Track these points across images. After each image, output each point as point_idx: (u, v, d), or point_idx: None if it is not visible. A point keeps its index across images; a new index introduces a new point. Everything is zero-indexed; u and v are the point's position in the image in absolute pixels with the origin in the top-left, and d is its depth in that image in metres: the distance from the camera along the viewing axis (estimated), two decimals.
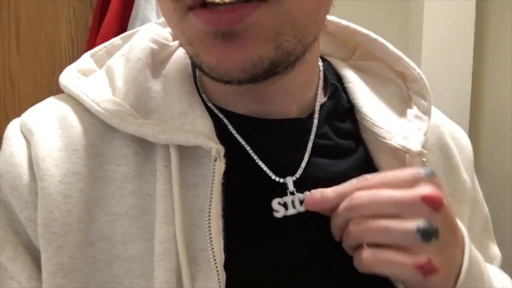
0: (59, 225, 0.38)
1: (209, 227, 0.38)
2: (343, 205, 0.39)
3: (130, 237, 0.38)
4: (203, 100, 0.44)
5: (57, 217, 0.38)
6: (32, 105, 0.45)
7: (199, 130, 0.40)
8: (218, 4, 0.34)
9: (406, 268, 0.36)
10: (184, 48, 0.41)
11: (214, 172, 0.38)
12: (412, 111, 0.48)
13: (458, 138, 0.53)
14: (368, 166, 0.45)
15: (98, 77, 0.45)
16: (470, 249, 0.40)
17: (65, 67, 0.46)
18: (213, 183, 0.38)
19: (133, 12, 1.20)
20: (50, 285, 0.37)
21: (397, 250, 0.36)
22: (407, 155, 0.44)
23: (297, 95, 0.45)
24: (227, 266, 0.38)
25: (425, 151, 0.44)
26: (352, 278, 0.40)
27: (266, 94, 0.43)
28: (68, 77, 0.44)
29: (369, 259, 0.37)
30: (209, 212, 0.38)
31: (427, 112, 0.48)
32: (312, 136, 0.45)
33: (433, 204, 0.37)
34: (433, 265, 0.36)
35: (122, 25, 1.20)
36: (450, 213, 0.39)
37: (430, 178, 0.39)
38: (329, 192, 0.40)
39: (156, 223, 0.38)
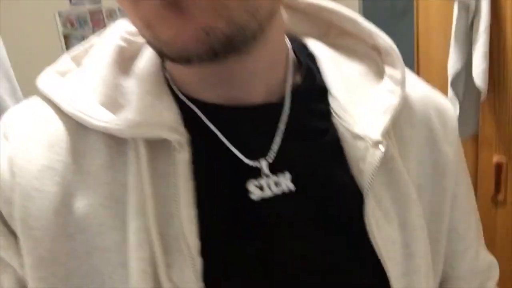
0: (36, 220, 0.40)
1: (179, 215, 0.39)
2: None
3: (105, 228, 0.40)
4: (173, 92, 0.45)
5: (34, 212, 0.40)
6: None
7: (163, 122, 0.41)
8: None
9: None
10: (144, 38, 0.41)
11: (177, 163, 0.39)
12: (385, 85, 0.48)
13: (443, 110, 0.52)
14: (338, 149, 0.46)
15: (73, 77, 0.46)
16: None
17: None
18: (177, 172, 0.39)
19: None
20: (33, 278, 0.39)
21: None
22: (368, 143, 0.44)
23: (264, 77, 0.45)
24: (203, 252, 0.39)
25: (383, 141, 0.44)
26: (331, 263, 0.42)
27: (232, 76, 0.43)
28: (44, 78, 0.46)
29: None
30: (178, 201, 0.39)
31: (399, 82, 0.47)
32: (284, 119, 0.45)
33: None
34: None
35: None
36: None
37: None
38: None
39: (129, 214, 0.39)
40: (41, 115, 0.44)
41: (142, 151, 0.40)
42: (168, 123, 0.41)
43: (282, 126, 0.45)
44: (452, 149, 0.51)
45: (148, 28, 0.38)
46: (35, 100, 0.46)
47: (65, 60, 0.48)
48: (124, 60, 0.46)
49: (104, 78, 0.44)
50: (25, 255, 0.40)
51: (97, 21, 2.53)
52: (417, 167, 0.48)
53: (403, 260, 0.45)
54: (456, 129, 0.53)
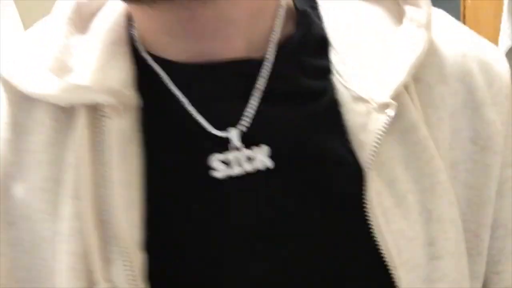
0: None
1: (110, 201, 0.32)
2: None
3: (46, 216, 0.34)
4: (137, 52, 0.38)
5: None
6: None
7: (104, 84, 0.34)
8: None
9: None
10: None
11: (108, 132, 0.33)
12: (404, 30, 0.37)
13: (490, 64, 0.40)
14: (336, 115, 0.36)
15: (20, 39, 0.40)
16: None
17: None
18: (108, 145, 0.33)
19: None
20: None
21: None
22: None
23: (243, 26, 0.36)
24: (149, 245, 0.32)
25: (392, 103, 0.34)
26: (306, 260, 0.33)
27: (202, 25, 0.35)
28: None
29: None
30: (112, 180, 0.32)
31: (423, 25, 0.36)
32: (264, 78, 0.36)
33: None
34: None
35: None
36: None
37: None
38: None
39: (63, 198, 0.33)
40: None
41: (82, 120, 0.33)
42: (108, 85, 0.34)
43: (260, 86, 0.36)
44: (501, 117, 0.39)
45: None
46: None
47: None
48: (82, 18, 0.39)
49: (54, 39, 0.38)
50: None
51: None
52: (450, 138, 0.37)
53: (425, 263, 0.34)
54: (508, 91, 0.40)
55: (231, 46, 0.36)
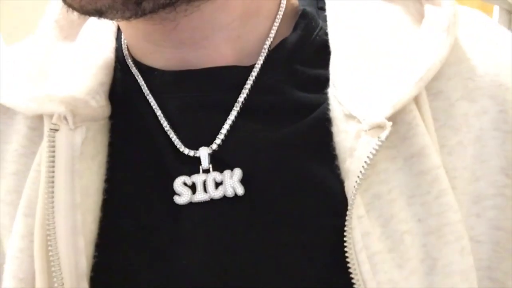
0: None
1: (53, 223, 0.29)
2: None
3: (4, 231, 0.32)
4: (119, 60, 0.35)
5: None
6: None
7: (66, 93, 0.32)
8: None
9: None
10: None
11: (57, 145, 0.30)
12: (421, 35, 0.31)
13: None
14: (326, 135, 0.30)
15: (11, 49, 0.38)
16: None
17: None
18: (55, 161, 0.30)
19: None
20: None
21: None
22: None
23: (232, 31, 0.32)
24: (96, 277, 0.30)
25: (389, 124, 0.28)
26: None
27: (187, 33, 0.31)
28: None
29: None
30: (52, 205, 0.29)
31: (446, 29, 0.30)
32: (246, 90, 0.32)
33: None
34: None
35: None
36: None
37: None
38: None
39: (17, 215, 0.31)
40: None
41: (45, 131, 0.31)
42: (68, 94, 0.31)
43: (241, 98, 0.31)
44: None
45: None
46: None
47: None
48: (71, 22, 0.38)
49: (38, 45, 0.36)
50: None
51: None
52: (474, 167, 0.30)
53: None
54: None
55: (219, 54, 0.32)
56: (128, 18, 0.28)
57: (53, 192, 0.29)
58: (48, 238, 0.29)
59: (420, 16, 0.32)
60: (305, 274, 0.28)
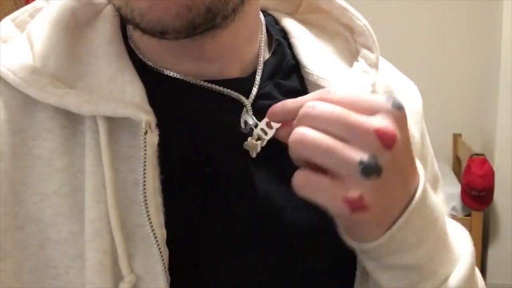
0: None
1: (145, 202, 0.36)
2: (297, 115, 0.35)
3: (61, 218, 0.36)
4: (136, 63, 0.40)
5: None
6: None
7: (128, 99, 0.37)
8: None
9: (334, 199, 0.33)
10: (111, 1, 0.37)
11: (145, 145, 0.36)
12: (359, 65, 0.46)
13: (406, 90, 0.51)
14: None
15: (18, 44, 0.40)
16: (422, 194, 0.36)
17: None
18: (145, 157, 0.36)
19: None
20: None
21: (332, 178, 0.33)
22: None
23: (239, 52, 0.42)
24: (169, 242, 0.37)
25: None
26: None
27: (205, 51, 0.40)
28: None
29: (300, 181, 0.33)
30: (144, 187, 0.36)
31: (374, 65, 0.45)
32: (252, 96, 0.42)
33: (385, 141, 0.33)
34: (363, 202, 0.32)
35: None
36: (403, 153, 0.34)
37: (394, 112, 0.34)
38: (289, 102, 0.36)
39: (86, 202, 0.36)
40: None
41: (103, 129, 0.36)
42: (132, 100, 0.37)
43: (249, 103, 0.42)
44: (418, 131, 0.50)
45: None
46: None
47: (5, 25, 0.42)
48: (79, 25, 0.41)
49: (55, 46, 0.39)
50: None
51: None
52: None
53: None
54: (421, 110, 0.51)
55: (227, 68, 0.42)
56: (179, 36, 0.35)
57: (145, 183, 0.36)
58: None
59: (352, 53, 0.47)
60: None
